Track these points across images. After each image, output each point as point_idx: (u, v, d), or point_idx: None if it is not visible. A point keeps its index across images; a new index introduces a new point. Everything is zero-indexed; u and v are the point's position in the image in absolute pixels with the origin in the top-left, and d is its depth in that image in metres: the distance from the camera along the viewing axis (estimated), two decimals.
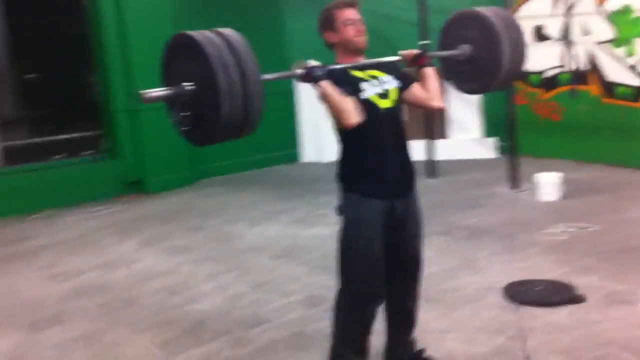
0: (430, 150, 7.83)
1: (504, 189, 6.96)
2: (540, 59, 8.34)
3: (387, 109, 3.03)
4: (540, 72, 8.46)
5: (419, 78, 3.21)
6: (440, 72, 3.63)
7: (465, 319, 3.94)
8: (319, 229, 5.94)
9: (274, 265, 5.17)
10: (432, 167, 7.79)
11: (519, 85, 8.65)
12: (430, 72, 3.19)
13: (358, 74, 3.05)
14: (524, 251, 5.06)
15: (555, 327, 3.74)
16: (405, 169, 3.11)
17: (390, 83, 3.09)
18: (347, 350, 3.15)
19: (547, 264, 4.76)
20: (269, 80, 2.79)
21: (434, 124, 8.06)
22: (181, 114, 2.74)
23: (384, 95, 3.04)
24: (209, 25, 2.75)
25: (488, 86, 3.51)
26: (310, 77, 2.87)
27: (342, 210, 3.08)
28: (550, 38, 8.29)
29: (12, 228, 6.76)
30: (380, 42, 8.68)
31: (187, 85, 2.64)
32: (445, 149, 8.75)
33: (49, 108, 8.64)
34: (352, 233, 3.03)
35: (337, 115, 2.89)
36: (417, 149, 7.88)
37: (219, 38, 2.61)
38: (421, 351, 3.41)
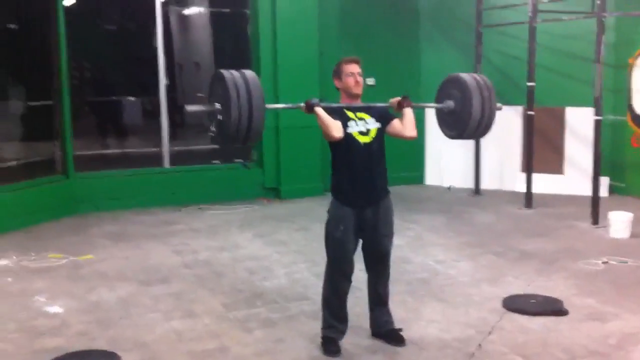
0: (529, 183, 8.47)
1: (584, 224, 7.50)
2: None
3: (365, 143, 4.14)
4: None
5: (401, 116, 4.26)
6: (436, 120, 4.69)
7: (455, 315, 4.85)
8: (396, 240, 6.85)
9: None
10: (529, 198, 8.45)
11: (634, 128, 9.01)
12: (407, 111, 4.24)
13: (350, 114, 4.18)
14: (553, 274, 5.76)
15: (522, 330, 4.55)
16: (375, 188, 4.22)
17: (373, 124, 4.18)
18: (329, 316, 4.28)
19: (563, 286, 5.45)
20: (274, 108, 4.07)
21: (533, 158, 8.63)
22: (211, 127, 4.06)
23: (364, 133, 4.14)
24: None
25: (462, 133, 4.49)
26: (309, 105, 4.05)
27: (328, 210, 4.21)
28: None
29: (165, 215, 8.44)
30: (504, 77, 9.58)
31: (217, 104, 3.95)
32: (559, 184, 9.32)
33: None
34: (331, 226, 4.20)
35: (325, 130, 4.03)
36: (519, 181, 8.57)
37: (239, 75, 3.90)
38: (397, 329, 4.42)
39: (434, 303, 5.12)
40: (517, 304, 4.96)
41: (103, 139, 10.88)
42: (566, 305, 4.94)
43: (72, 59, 8.65)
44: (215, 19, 11.08)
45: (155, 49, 9.22)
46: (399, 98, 4.30)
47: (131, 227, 7.79)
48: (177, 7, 10.96)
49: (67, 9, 8.48)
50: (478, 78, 4.47)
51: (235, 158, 9.88)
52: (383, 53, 10.18)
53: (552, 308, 4.87)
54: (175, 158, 9.53)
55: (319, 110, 4.05)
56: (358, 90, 4.21)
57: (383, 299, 4.39)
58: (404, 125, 4.23)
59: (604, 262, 6.06)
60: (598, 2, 7.51)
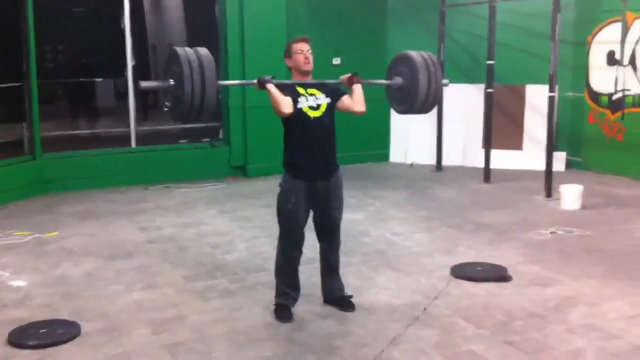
0: (487, 158, 8.72)
1: (539, 197, 7.77)
2: (610, 82, 8.91)
3: (315, 118, 4.31)
4: (609, 95, 9.02)
5: (351, 92, 4.44)
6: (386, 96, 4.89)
7: (407, 283, 5.07)
8: (357, 214, 7.14)
9: None
10: (488, 173, 8.70)
11: (591, 105, 9.29)
12: (356, 87, 4.42)
13: (301, 90, 4.35)
14: (503, 244, 6.01)
15: (467, 295, 4.78)
16: (326, 161, 4.39)
17: (323, 99, 4.36)
18: (282, 284, 4.48)
19: (512, 254, 5.70)
20: (227, 85, 4.23)
21: (492, 135, 8.88)
22: (166, 102, 4.23)
23: (315, 107, 4.32)
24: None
25: (410, 108, 4.68)
26: (260, 82, 4.21)
27: (280, 183, 4.39)
28: (619, 63, 8.82)
29: (133, 194, 8.56)
30: (469, 56, 9.79)
31: (171, 81, 4.11)
32: (519, 159, 9.59)
33: None
34: (283, 198, 4.38)
35: (275, 106, 4.20)
36: (478, 157, 8.80)
37: (193, 52, 4.05)
38: (348, 296, 4.62)
39: (387, 272, 5.34)
40: (464, 272, 5.19)
41: (73, 120, 10.95)
42: (511, 272, 5.18)
43: (40, 42, 8.71)
44: (188, 0, 11.14)
45: (123, 30, 9.31)
46: (349, 75, 4.48)
47: (98, 206, 7.92)
48: None
49: None
50: (425, 55, 4.66)
51: (202, 137, 10.03)
52: (350, 32, 10.35)
53: (497, 275, 5.11)
54: (145, 138, 9.65)
55: (271, 86, 4.22)
56: (308, 68, 4.38)
57: (334, 267, 4.60)
58: (354, 101, 4.41)
59: (552, 233, 6.32)
60: None
